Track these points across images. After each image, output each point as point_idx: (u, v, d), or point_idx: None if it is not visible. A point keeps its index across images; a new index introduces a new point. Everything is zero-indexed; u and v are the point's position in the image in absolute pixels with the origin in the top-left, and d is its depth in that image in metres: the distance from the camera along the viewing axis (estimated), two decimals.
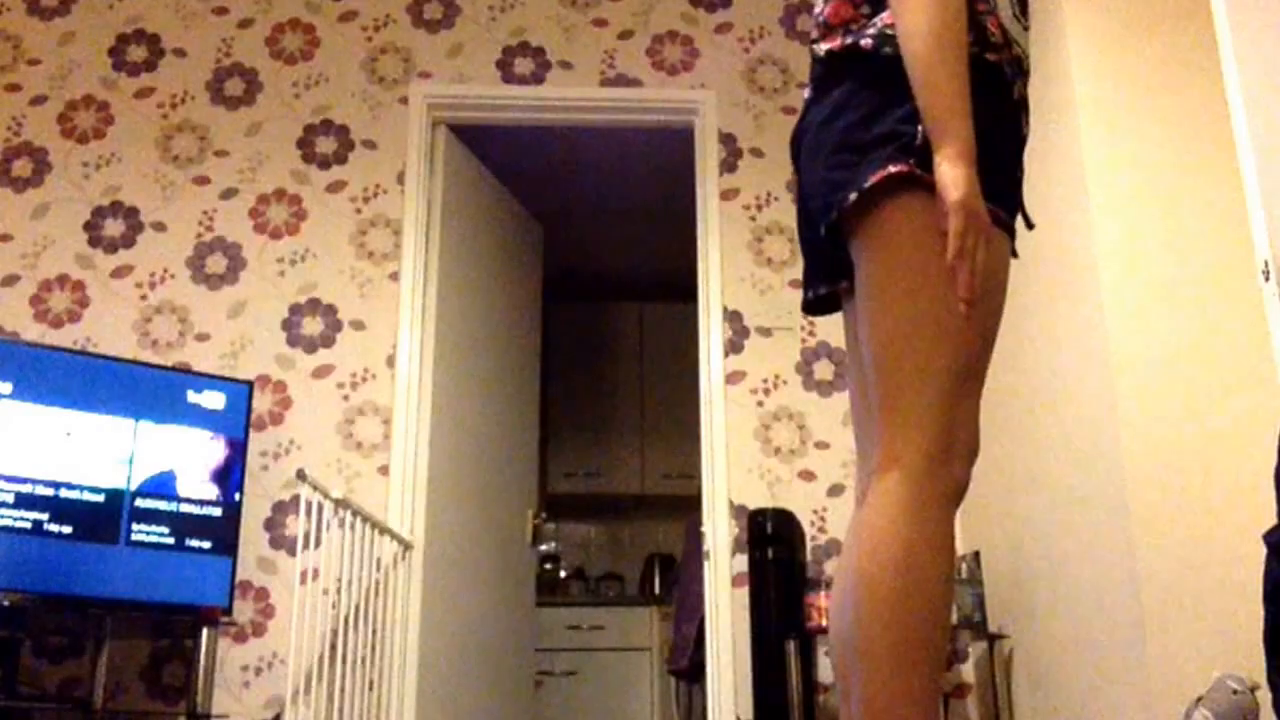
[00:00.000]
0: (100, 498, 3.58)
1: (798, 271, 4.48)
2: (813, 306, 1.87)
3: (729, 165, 4.59)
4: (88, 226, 4.36)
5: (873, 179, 1.58)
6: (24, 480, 3.48)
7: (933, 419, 1.54)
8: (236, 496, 3.80)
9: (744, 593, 4.00)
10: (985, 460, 3.91)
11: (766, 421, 4.31)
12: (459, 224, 4.69)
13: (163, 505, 3.67)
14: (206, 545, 3.70)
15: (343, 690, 3.55)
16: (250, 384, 3.95)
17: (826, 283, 1.82)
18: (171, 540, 3.65)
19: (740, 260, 4.50)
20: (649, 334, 7.14)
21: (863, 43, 1.67)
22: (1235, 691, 2.51)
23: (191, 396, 3.80)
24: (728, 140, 4.62)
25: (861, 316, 1.62)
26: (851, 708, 1.47)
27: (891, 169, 1.57)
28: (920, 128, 1.56)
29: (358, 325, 4.33)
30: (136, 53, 4.61)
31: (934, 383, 1.55)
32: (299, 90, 4.60)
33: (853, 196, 1.59)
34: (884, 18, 1.66)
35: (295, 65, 4.63)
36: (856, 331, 1.76)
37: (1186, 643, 2.81)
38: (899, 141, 1.59)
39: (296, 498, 3.94)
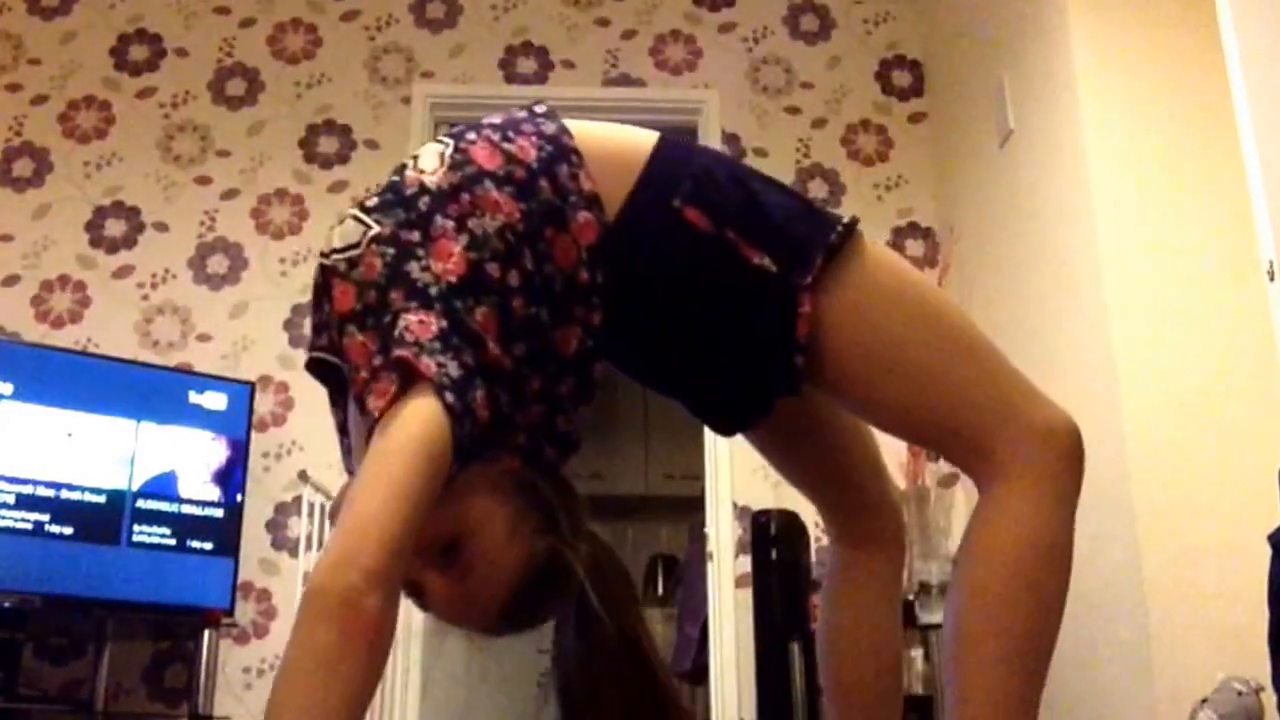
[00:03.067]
0: (101, 499, 3.57)
1: None
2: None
3: None
4: (89, 227, 4.35)
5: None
6: (25, 481, 3.47)
7: (998, 401, 1.48)
8: (238, 497, 3.79)
9: (747, 594, 3.98)
10: None
11: None
12: None
13: (164, 506, 3.65)
14: (208, 546, 3.69)
15: None
16: (252, 384, 3.95)
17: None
18: (173, 541, 3.64)
19: None
20: None
21: None
22: (1240, 693, 2.50)
23: (193, 397, 3.79)
24: (731, 140, 4.61)
25: (859, 381, 1.51)
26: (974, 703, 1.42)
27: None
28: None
29: None
30: (138, 52, 4.60)
31: (979, 369, 1.50)
32: (301, 90, 4.59)
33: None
34: None
35: (297, 65, 4.62)
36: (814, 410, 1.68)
37: (1191, 644, 2.79)
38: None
39: (298, 499, 3.92)
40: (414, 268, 1.36)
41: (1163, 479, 2.94)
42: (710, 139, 4.59)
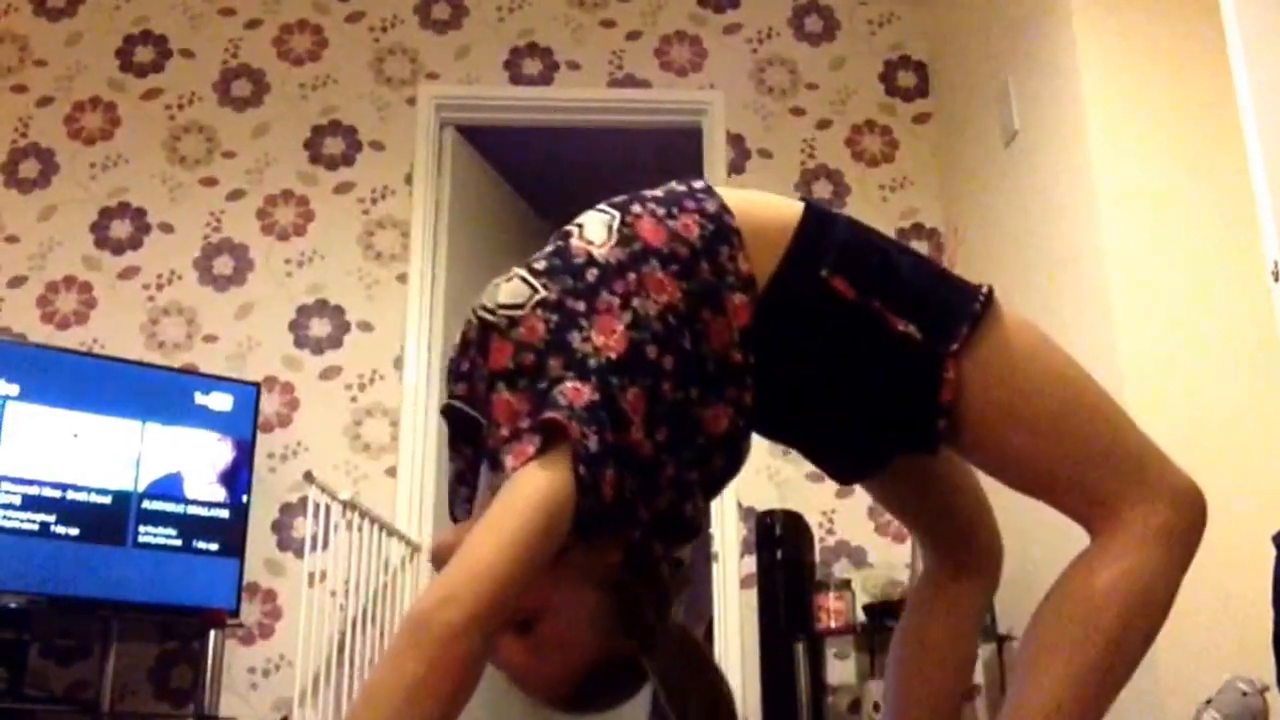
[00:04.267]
0: (107, 499, 3.57)
1: None
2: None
3: (737, 166, 4.58)
4: (95, 228, 4.36)
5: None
6: (31, 482, 3.48)
7: (1126, 458, 1.52)
8: (244, 498, 3.79)
9: (752, 594, 3.98)
10: None
11: None
12: (467, 225, 4.68)
13: (170, 507, 3.66)
14: (214, 547, 3.70)
15: (350, 693, 3.54)
16: (257, 385, 3.95)
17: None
18: (179, 542, 3.64)
19: None
20: None
21: None
22: (1244, 693, 2.50)
23: (199, 398, 3.80)
24: (736, 141, 4.61)
25: (990, 445, 1.57)
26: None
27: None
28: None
29: (365, 327, 4.32)
30: (144, 54, 4.61)
31: (1106, 431, 1.53)
32: (306, 91, 4.59)
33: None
34: None
35: (303, 66, 4.63)
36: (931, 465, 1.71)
37: (1195, 644, 2.79)
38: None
39: (304, 499, 3.93)
40: (575, 337, 1.38)
41: None
42: (715, 140, 4.60)
